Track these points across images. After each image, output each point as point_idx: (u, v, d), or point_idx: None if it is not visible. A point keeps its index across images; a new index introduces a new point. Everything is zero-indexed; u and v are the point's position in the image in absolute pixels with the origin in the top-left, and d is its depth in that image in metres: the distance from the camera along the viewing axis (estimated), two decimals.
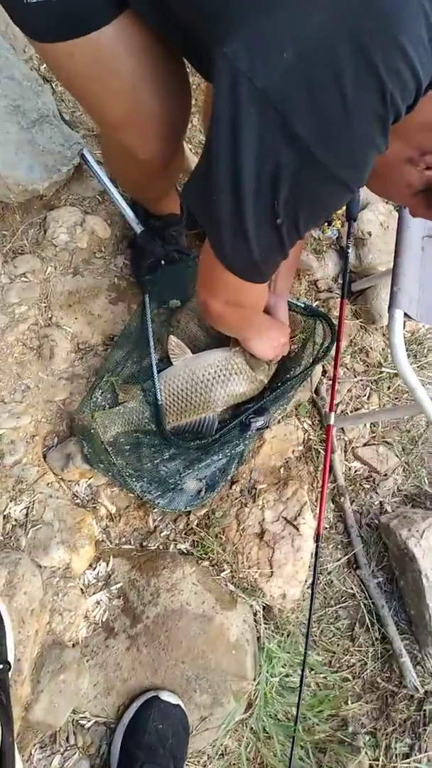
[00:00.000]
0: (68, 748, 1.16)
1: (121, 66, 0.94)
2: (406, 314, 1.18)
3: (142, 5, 0.87)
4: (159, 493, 1.33)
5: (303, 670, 1.22)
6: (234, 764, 1.25)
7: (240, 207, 0.76)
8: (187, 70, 1.07)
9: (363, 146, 0.71)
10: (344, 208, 1.69)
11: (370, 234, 1.80)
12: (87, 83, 0.97)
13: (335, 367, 1.47)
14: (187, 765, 1.21)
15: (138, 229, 1.53)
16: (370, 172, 0.76)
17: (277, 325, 1.40)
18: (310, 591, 1.46)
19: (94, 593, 1.28)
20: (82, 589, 1.27)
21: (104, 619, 1.25)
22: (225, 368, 1.40)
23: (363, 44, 0.63)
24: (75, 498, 1.37)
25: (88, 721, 1.19)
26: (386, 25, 0.63)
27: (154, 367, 1.39)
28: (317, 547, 1.31)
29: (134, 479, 1.32)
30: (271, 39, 0.64)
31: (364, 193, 1.86)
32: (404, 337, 1.78)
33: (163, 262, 1.48)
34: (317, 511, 1.52)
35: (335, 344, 1.44)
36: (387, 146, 0.73)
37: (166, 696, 1.17)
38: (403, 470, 1.63)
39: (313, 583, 1.30)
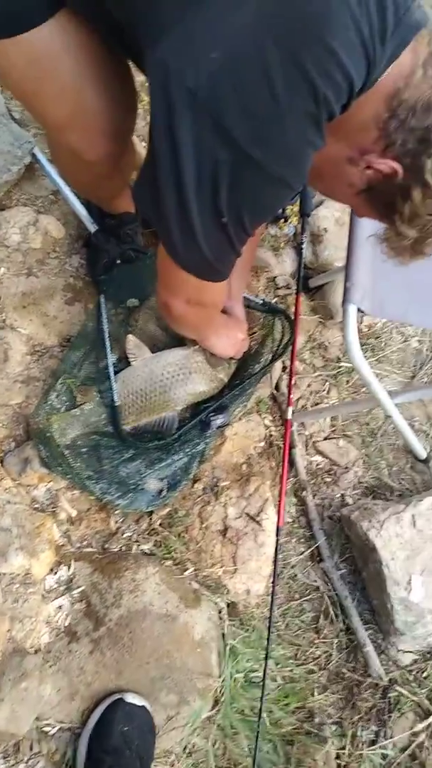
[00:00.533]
0: (33, 757, 1.15)
1: (60, 66, 0.92)
2: (359, 309, 1.19)
3: (80, 5, 0.86)
4: (119, 494, 1.32)
5: (266, 664, 1.23)
6: (202, 762, 1.26)
7: (185, 208, 0.76)
8: (131, 68, 1.06)
9: (298, 145, 0.72)
10: (298, 204, 1.71)
11: (326, 230, 1.82)
12: (26, 84, 0.95)
13: (292, 362, 1.48)
14: (154, 765, 1.20)
15: (92, 228, 1.51)
16: (309, 169, 0.77)
17: (235, 323, 1.40)
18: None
19: (55, 598, 1.26)
20: (43, 595, 1.25)
21: (66, 624, 1.24)
22: (185, 367, 1.39)
23: (292, 47, 0.64)
24: (34, 503, 1.35)
25: (53, 727, 1.17)
26: (314, 27, 0.64)
27: (111, 368, 1.38)
28: (277, 540, 1.32)
29: (93, 481, 1.30)
30: (198, 40, 0.65)
31: None
32: (362, 332, 1.81)
33: (118, 261, 1.47)
34: (282, 505, 1.53)
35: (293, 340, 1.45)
36: (324, 142, 0.74)
37: (131, 698, 1.17)
38: (363, 462, 1.65)
39: (274, 576, 1.31)
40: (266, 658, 1.23)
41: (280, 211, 1.82)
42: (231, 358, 1.45)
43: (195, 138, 0.69)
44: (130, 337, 1.42)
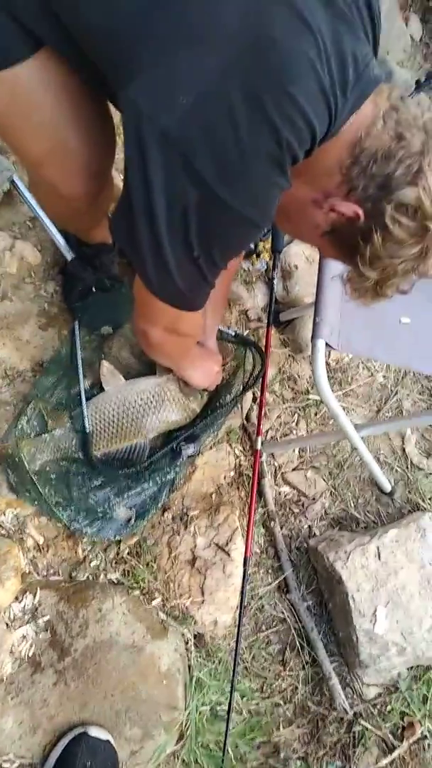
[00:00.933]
0: None
1: (39, 103, 0.94)
2: (327, 344, 1.23)
3: (59, 44, 0.88)
4: (87, 521, 1.31)
5: (231, 698, 1.21)
6: None
7: (158, 241, 0.79)
8: (110, 107, 1.09)
9: (263, 186, 0.76)
10: (270, 240, 1.76)
11: (296, 267, 1.88)
12: (5, 119, 0.97)
13: (262, 393, 1.51)
14: None
15: (69, 256, 1.53)
16: (275, 209, 0.81)
17: (210, 355, 1.44)
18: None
19: (20, 627, 1.23)
20: (7, 624, 1.22)
21: (30, 654, 1.21)
22: (158, 395, 1.40)
23: (256, 94, 0.68)
24: (0, 528, 1.32)
25: (12, 763, 1.13)
26: (276, 77, 0.69)
27: (83, 394, 1.39)
28: (245, 571, 1.32)
29: (61, 508, 1.29)
30: (169, 84, 0.69)
31: None
32: (330, 366, 1.86)
33: (94, 289, 1.49)
34: (251, 536, 1.54)
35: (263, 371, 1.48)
36: (289, 184, 0.78)
37: (95, 732, 1.14)
38: (330, 494, 1.68)
39: (240, 608, 1.30)
40: (231, 690, 1.22)
41: (253, 246, 1.87)
42: (204, 390, 1.47)
43: (166, 176, 0.72)
44: (105, 363, 1.43)
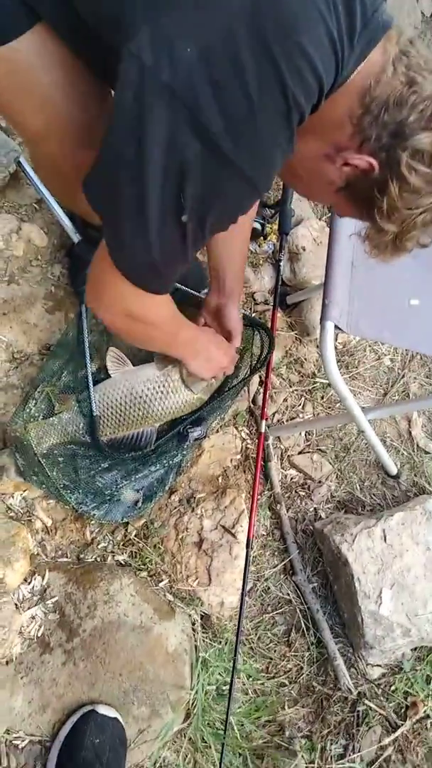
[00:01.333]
0: None
1: (38, 78, 0.93)
2: (336, 326, 1.22)
3: (53, 17, 0.87)
4: (95, 504, 1.32)
5: (233, 676, 1.23)
6: None
7: (144, 201, 0.74)
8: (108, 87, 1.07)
9: (269, 145, 0.74)
10: (277, 222, 1.74)
11: (304, 249, 1.86)
12: (4, 94, 0.96)
13: (267, 376, 1.51)
14: None
15: (75, 238, 1.52)
16: (274, 176, 0.79)
17: (220, 344, 1.32)
18: (248, 598, 1.48)
19: (29, 608, 1.25)
20: (16, 605, 1.24)
21: (39, 634, 1.23)
22: (163, 384, 1.39)
23: (264, 44, 0.66)
24: (9, 511, 1.33)
25: (23, 741, 1.15)
26: (286, 26, 0.66)
27: (90, 379, 1.38)
28: (248, 553, 1.33)
29: (69, 491, 1.30)
30: (174, 36, 0.66)
31: (299, 209, 1.92)
32: (337, 349, 1.85)
33: None
34: (253, 518, 1.55)
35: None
36: (292, 149, 0.77)
37: (103, 709, 1.16)
38: (337, 477, 1.68)
39: (243, 588, 1.31)
40: (233, 669, 1.24)
41: (260, 228, 1.85)
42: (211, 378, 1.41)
43: (166, 130, 0.69)
44: (112, 349, 1.43)
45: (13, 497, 1.35)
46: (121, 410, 1.37)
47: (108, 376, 1.43)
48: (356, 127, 0.77)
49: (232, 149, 0.70)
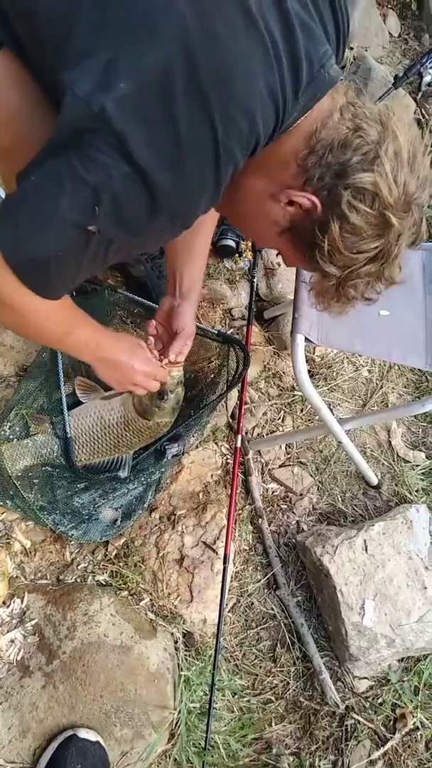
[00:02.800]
0: None
1: (5, 95, 0.94)
2: (307, 339, 1.24)
3: (8, 42, 0.87)
4: (73, 524, 1.32)
5: (211, 692, 1.23)
6: None
7: (58, 193, 0.72)
8: None
9: (194, 187, 0.76)
10: (251, 240, 1.77)
11: (279, 264, 1.89)
12: None
13: (242, 392, 1.51)
14: None
15: None
16: (195, 218, 0.80)
17: (134, 355, 1.15)
18: (231, 614, 1.47)
19: (8, 631, 1.24)
20: None
21: (19, 658, 1.21)
22: (123, 414, 1.37)
23: (199, 89, 0.68)
24: None
25: None
26: (223, 75, 0.69)
27: (64, 400, 1.38)
28: (224, 569, 1.34)
29: (46, 512, 1.29)
30: (110, 70, 0.68)
31: None
32: (315, 362, 1.86)
33: (73, 293, 1.49)
34: (236, 533, 1.55)
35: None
36: (219, 196, 0.79)
37: (84, 734, 1.14)
38: (318, 489, 1.68)
39: (221, 603, 1.31)
40: (212, 685, 1.24)
41: (234, 245, 1.88)
42: (161, 398, 1.29)
43: (99, 151, 0.69)
44: (79, 379, 1.42)
45: None
46: (93, 438, 1.37)
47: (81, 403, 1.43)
48: (300, 167, 0.78)
49: (157, 182, 0.72)
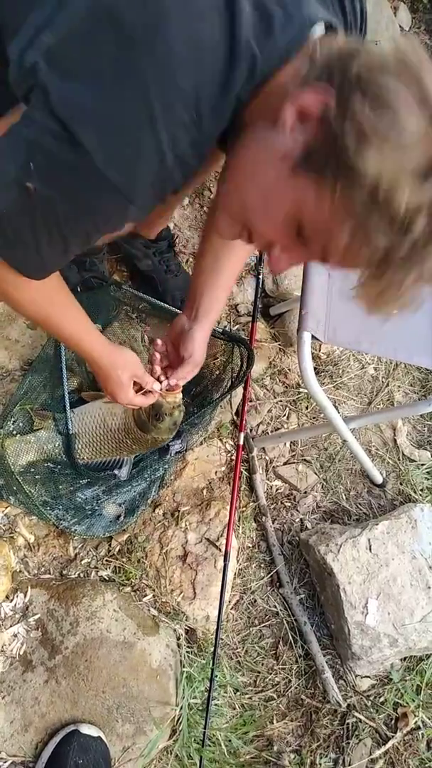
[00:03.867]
0: None
1: None
2: (313, 336, 1.23)
3: None
4: (76, 519, 1.32)
5: (210, 687, 1.24)
6: None
7: (2, 157, 0.71)
8: None
9: (128, 151, 0.67)
10: None
11: None
12: None
13: (245, 389, 1.51)
14: None
15: None
16: (141, 194, 0.71)
17: (117, 362, 1.11)
18: (234, 611, 1.47)
19: (10, 626, 1.24)
20: None
21: (21, 653, 1.22)
22: (124, 422, 1.34)
23: (127, 40, 0.63)
24: None
25: (4, 762, 1.14)
26: (153, 21, 0.62)
27: (66, 397, 1.38)
28: (225, 566, 1.34)
29: (48, 508, 1.29)
30: (39, 28, 0.67)
31: None
32: (321, 359, 1.85)
33: (79, 288, 1.48)
34: (239, 530, 1.54)
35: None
36: (172, 173, 0.70)
37: (86, 729, 1.15)
38: (322, 487, 1.68)
39: (220, 601, 1.32)
40: (211, 681, 1.25)
41: None
42: (158, 419, 1.26)
43: (33, 107, 0.68)
44: (84, 393, 1.42)
45: None
46: (96, 439, 1.36)
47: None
48: (303, 78, 0.65)
49: (81, 141, 0.65)
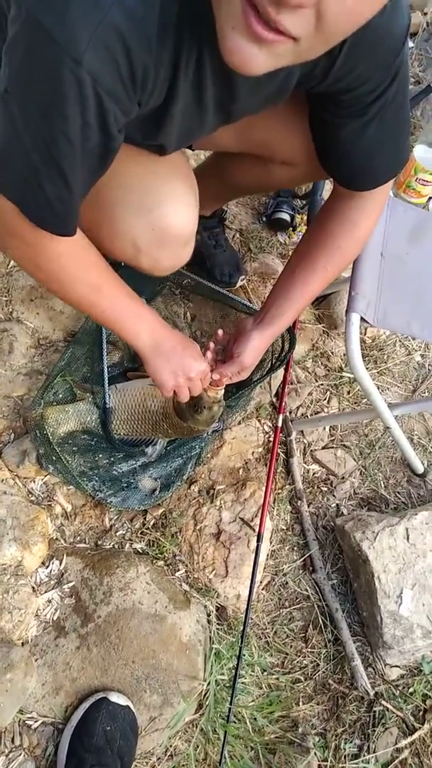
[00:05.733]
0: (14, 749, 1.14)
1: None
2: (362, 318, 1.19)
3: None
4: (112, 491, 1.33)
5: (237, 666, 1.24)
6: (183, 765, 1.25)
7: None
8: None
9: None
10: (307, 213, 1.72)
11: None
12: None
13: (286, 371, 1.49)
14: (135, 766, 1.20)
15: None
16: (87, 37, 0.59)
17: (187, 350, 1.09)
18: (265, 592, 1.47)
19: (45, 591, 1.26)
20: (33, 587, 1.25)
21: (55, 618, 1.24)
22: (163, 406, 1.33)
23: None
24: (30, 495, 1.35)
25: (35, 721, 1.17)
26: None
27: (105, 372, 1.37)
28: (258, 546, 1.33)
29: (86, 478, 1.30)
30: None
31: None
32: (366, 343, 1.81)
33: (123, 263, 1.47)
34: (274, 512, 1.53)
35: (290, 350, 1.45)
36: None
37: (115, 697, 1.16)
38: (360, 474, 1.65)
39: (251, 581, 1.31)
40: (239, 659, 1.25)
41: (289, 219, 1.83)
42: (196, 410, 1.22)
43: None
44: (130, 374, 1.42)
45: (34, 482, 1.36)
46: (133, 418, 1.36)
47: (129, 369, 1.43)
48: None
49: None
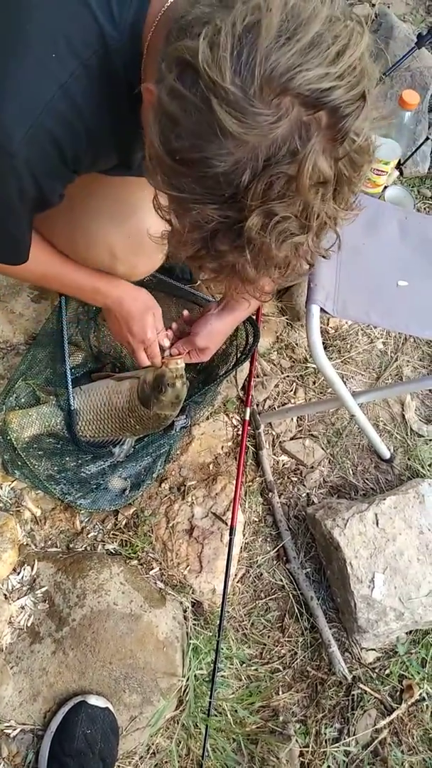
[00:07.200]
0: None
1: None
2: (322, 309, 1.21)
3: None
4: (81, 494, 1.32)
5: (216, 660, 1.25)
6: (166, 762, 1.25)
7: None
8: None
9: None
10: None
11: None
12: None
13: (251, 364, 1.49)
14: (118, 767, 1.19)
15: None
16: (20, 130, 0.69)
17: (141, 299, 1.20)
18: (240, 585, 1.48)
19: (18, 598, 1.25)
20: (5, 595, 1.24)
21: (29, 624, 1.23)
22: (128, 400, 1.35)
23: None
24: None
25: (14, 729, 1.16)
26: None
27: (68, 374, 1.36)
28: (231, 540, 1.34)
29: (53, 482, 1.29)
30: None
31: None
32: (329, 333, 1.83)
33: None
34: (245, 505, 1.54)
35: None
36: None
37: (93, 700, 1.16)
38: (329, 462, 1.67)
39: (226, 575, 1.32)
40: (216, 651, 1.26)
41: None
42: (159, 390, 1.27)
43: None
44: (94, 375, 1.43)
45: (1, 488, 1.34)
46: (99, 417, 1.35)
47: (92, 370, 1.42)
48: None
49: None
